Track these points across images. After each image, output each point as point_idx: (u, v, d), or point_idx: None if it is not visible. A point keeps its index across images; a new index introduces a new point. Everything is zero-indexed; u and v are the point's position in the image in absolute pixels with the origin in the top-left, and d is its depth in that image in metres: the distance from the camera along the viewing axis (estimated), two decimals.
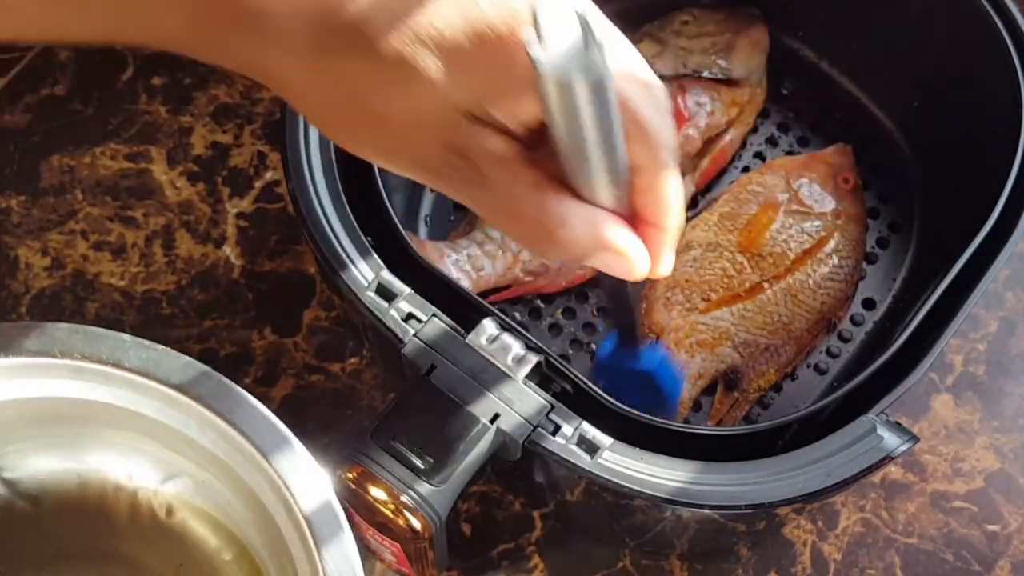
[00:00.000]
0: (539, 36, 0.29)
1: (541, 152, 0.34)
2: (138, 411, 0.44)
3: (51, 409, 0.46)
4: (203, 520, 0.49)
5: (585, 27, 0.29)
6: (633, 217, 0.35)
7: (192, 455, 0.46)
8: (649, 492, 0.44)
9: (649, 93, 0.33)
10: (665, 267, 0.36)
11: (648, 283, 0.59)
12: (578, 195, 0.34)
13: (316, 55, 0.32)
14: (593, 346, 0.59)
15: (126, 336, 0.44)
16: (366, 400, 0.59)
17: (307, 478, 0.42)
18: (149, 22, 0.33)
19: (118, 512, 0.49)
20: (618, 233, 0.34)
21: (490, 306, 0.47)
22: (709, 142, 0.62)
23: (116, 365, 0.44)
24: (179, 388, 0.43)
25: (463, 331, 0.46)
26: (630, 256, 0.34)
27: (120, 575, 0.50)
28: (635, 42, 0.62)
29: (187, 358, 0.44)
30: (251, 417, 0.43)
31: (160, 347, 0.44)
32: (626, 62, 0.33)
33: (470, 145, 0.33)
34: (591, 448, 0.45)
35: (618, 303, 0.45)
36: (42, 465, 0.49)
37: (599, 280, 0.45)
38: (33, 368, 0.44)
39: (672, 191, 0.34)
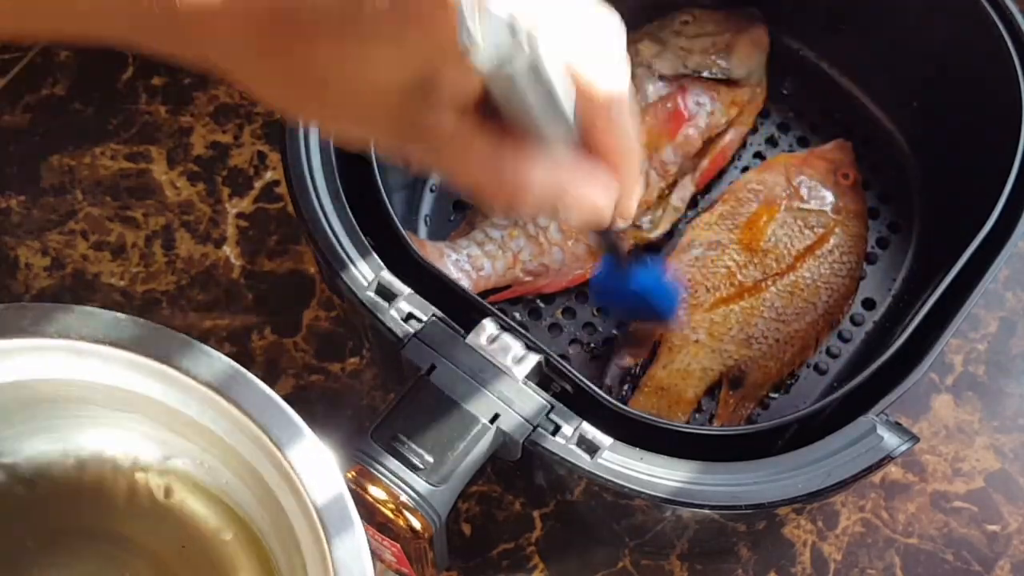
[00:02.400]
0: (467, 32, 0.30)
1: (493, 115, 0.34)
2: (135, 390, 0.44)
3: (47, 391, 0.45)
4: (204, 500, 0.49)
5: (511, 23, 0.30)
6: (593, 158, 0.36)
7: (192, 435, 0.45)
8: (649, 492, 0.44)
9: (594, 51, 0.33)
10: (630, 208, 0.38)
11: None
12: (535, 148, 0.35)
13: (262, 56, 0.33)
14: (593, 346, 0.59)
15: (121, 315, 0.43)
16: (366, 400, 0.59)
17: (311, 456, 0.42)
18: (93, 25, 0.34)
19: (116, 493, 0.49)
20: (580, 183, 0.35)
21: (490, 306, 0.47)
22: (709, 142, 0.62)
23: (113, 344, 0.43)
24: (176, 366, 0.43)
25: (463, 331, 0.46)
26: (596, 204, 0.36)
27: (121, 556, 0.49)
28: (635, 42, 0.62)
29: (183, 336, 0.43)
30: (252, 395, 0.43)
31: (155, 325, 0.43)
32: (566, 32, 0.33)
33: (421, 121, 0.33)
34: (591, 448, 0.45)
35: (601, 235, 0.45)
36: (38, 448, 0.49)
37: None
38: (28, 349, 0.43)
39: (624, 139, 0.35)
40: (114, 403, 0.45)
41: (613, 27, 0.34)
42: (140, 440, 0.48)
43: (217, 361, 0.43)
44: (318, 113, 0.35)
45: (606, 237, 0.46)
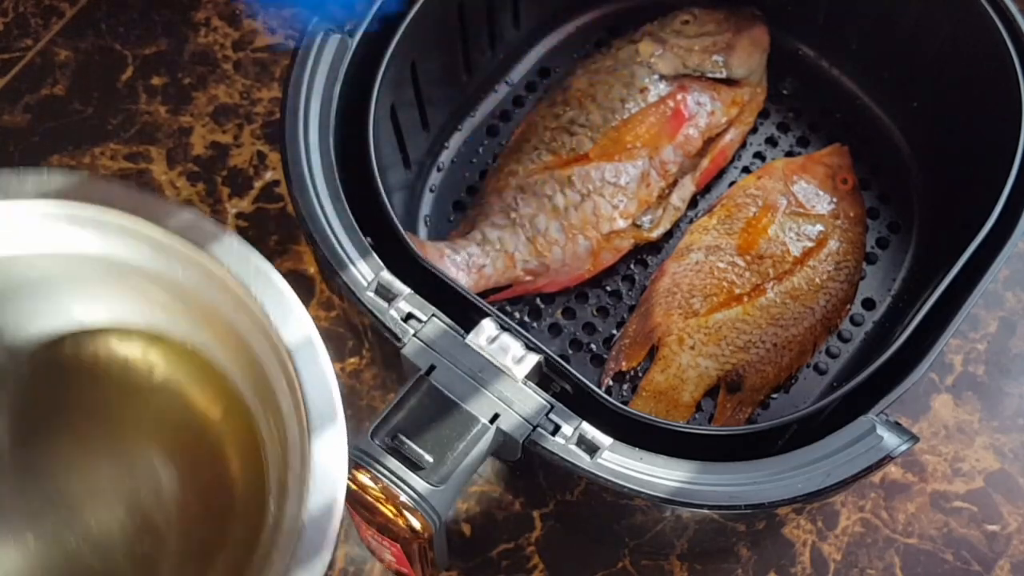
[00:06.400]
0: None
1: None
2: (128, 262, 0.44)
3: (36, 268, 0.46)
4: (193, 374, 0.49)
5: None
6: None
7: (181, 307, 0.45)
8: (649, 492, 0.44)
9: None
10: None
11: (648, 287, 0.60)
12: None
13: None
14: (593, 346, 0.59)
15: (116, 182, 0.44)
16: (366, 400, 0.59)
17: (290, 314, 0.42)
18: None
19: (110, 371, 0.49)
20: None
21: (490, 306, 0.47)
22: (709, 142, 0.62)
23: (108, 205, 0.43)
24: (172, 230, 0.42)
25: (463, 331, 0.46)
26: None
27: (125, 439, 0.49)
28: (635, 42, 0.62)
29: (173, 202, 0.44)
30: (235, 255, 0.42)
31: (147, 193, 0.43)
32: None
33: None
34: (591, 448, 0.45)
35: None
36: (32, 326, 0.48)
37: None
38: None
39: None
40: (105, 277, 0.45)
41: None
42: (125, 311, 0.48)
43: (198, 219, 0.43)
44: None
45: None
